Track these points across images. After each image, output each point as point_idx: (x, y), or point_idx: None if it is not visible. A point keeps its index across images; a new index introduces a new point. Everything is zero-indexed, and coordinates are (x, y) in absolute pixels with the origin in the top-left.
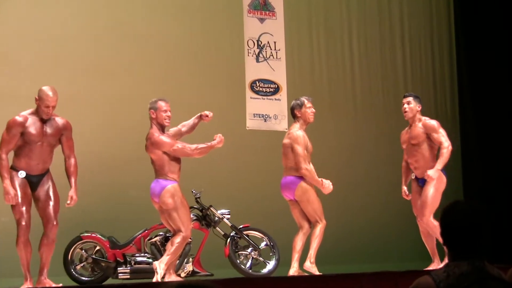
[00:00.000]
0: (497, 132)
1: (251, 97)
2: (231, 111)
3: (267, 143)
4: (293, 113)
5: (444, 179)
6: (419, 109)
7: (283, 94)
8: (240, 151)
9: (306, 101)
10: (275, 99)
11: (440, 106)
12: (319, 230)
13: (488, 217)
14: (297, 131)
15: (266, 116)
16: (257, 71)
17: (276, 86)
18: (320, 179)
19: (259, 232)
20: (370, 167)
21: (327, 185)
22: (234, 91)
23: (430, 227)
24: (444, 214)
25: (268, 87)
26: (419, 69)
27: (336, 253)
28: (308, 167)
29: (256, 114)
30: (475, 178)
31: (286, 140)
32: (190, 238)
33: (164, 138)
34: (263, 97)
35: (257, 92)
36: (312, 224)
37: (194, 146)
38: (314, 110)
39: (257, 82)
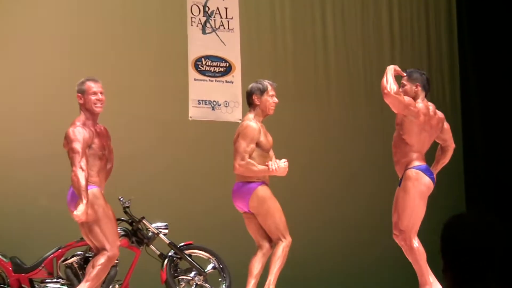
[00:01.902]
0: (509, 124)
1: (195, 79)
2: (170, 96)
3: (215, 138)
4: (250, 99)
5: (424, 180)
6: (417, 89)
7: (236, 75)
8: (181, 148)
9: (269, 87)
10: (226, 82)
11: (437, 90)
12: (281, 250)
13: (503, 235)
14: (250, 121)
15: (214, 103)
16: (203, 46)
17: (227, 65)
18: (266, 164)
19: (205, 251)
20: (347, 169)
21: (278, 166)
22: (174, 71)
23: (409, 247)
24: (446, 230)
25: (217, 66)
26: (410, 42)
27: (302, 277)
28: (242, 162)
29: (202, 101)
30: (481, 181)
31: (236, 134)
32: (117, 260)
33: (77, 133)
34: (211, 78)
35: (203, 73)
36: (273, 243)
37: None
38: (277, 101)
39: (203, 59)
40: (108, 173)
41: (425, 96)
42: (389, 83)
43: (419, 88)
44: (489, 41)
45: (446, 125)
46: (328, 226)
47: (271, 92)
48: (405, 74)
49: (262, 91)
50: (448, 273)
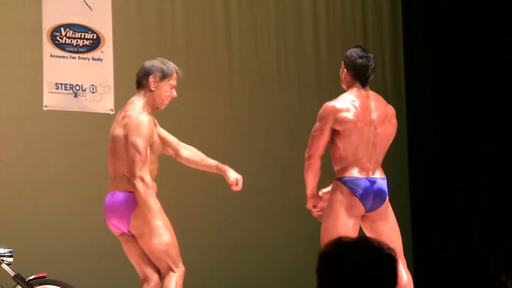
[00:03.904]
0: (468, 117)
1: (52, 55)
2: (17, 79)
3: (79, 135)
4: (144, 80)
5: (345, 195)
6: (345, 74)
7: (106, 51)
8: (33, 148)
9: (174, 74)
10: (94, 59)
11: (375, 74)
12: (175, 284)
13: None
14: (140, 114)
15: (77, 88)
16: (62, 11)
17: (95, 37)
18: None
19: (62, 287)
20: (261, 174)
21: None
22: (22, 45)
23: None
24: (325, 259)
25: (81, 38)
26: (341, 13)
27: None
28: (146, 177)
29: (61, 85)
30: (427, 180)
31: (118, 130)
32: None
33: None
34: (73, 54)
35: (62, 47)
36: (162, 274)
37: None
38: (175, 95)
39: (62, 29)
40: None
41: (364, 85)
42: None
43: (347, 74)
44: (440, 13)
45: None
46: (237, 252)
47: (173, 82)
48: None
49: (165, 75)
50: None
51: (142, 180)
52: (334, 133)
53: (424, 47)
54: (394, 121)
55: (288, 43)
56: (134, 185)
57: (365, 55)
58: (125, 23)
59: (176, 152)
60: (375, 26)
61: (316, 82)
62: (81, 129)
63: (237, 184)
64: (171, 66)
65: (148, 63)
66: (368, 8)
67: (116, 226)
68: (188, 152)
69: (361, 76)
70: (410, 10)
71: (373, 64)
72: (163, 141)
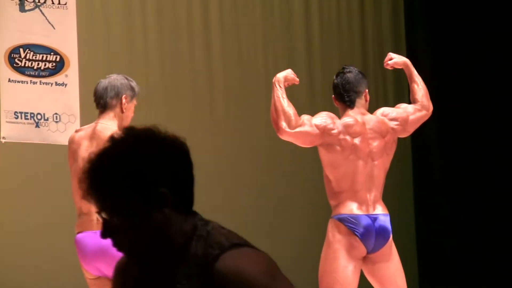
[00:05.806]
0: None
1: (10, 80)
2: None
3: (42, 170)
4: (114, 101)
5: (339, 232)
6: (333, 99)
7: (71, 75)
8: None
9: (137, 92)
10: (57, 84)
11: (376, 78)
12: None
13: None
14: None
15: (39, 117)
16: (21, 29)
17: (58, 59)
18: None
19: None
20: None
21: None
22: None
23: None
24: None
25: (43, 61)
26: (335, 15)
27: None
28: None
29: (20, 113)
30: (436, 223)
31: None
32: None
33: None
34: (34, 79)
35: (21, 70)
36: None
37: None
38: (132, 114)
39: (21, 50)
40: None
41: (350, 105)
42: (280, 111)
43: (333, 98)
44: (444, 14)
45: (410, 118)
46: None
47: (135, 101)
48: (297, 81)
49: (134, 94)
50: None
51: None
52: (321, 158)
53: (429, 51)
54: (391, 141)
55: (277, 52)
56: None
57: (342, 71)
58: (92, 44)
59: None
60: (375, 33)
61: (309, 103)
62: (44, 163)
63: None
64: (136, 83)
65: (115, 81)
66: (367, 15)
67: (99, 269)
68: None
69: (341, 96)
70: (413, 12)
71: (352, 79)
72: None
